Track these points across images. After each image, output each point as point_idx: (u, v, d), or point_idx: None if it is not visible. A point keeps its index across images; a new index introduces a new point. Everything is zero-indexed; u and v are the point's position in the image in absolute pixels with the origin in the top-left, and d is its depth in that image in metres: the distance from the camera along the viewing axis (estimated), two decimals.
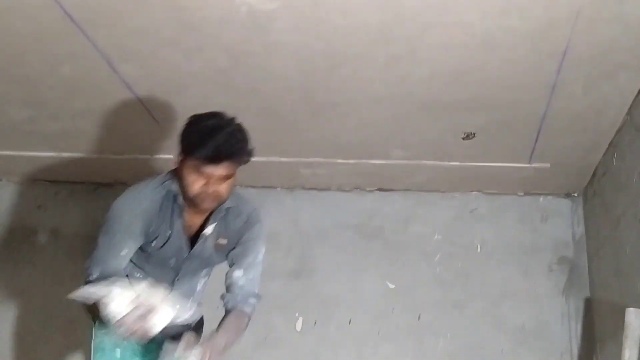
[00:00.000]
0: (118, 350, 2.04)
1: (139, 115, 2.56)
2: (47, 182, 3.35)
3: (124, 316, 1.71)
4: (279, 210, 3.26)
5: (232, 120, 1.86)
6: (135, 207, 1.91)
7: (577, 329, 3.00)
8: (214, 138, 1.78)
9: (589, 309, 2.98)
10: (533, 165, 2.87)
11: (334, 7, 1.86)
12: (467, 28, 1.92)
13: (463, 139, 2.64)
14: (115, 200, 1.95)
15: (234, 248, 2.05)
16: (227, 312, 2.00)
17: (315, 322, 3.11)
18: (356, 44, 2.02)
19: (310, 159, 2.92)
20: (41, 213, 3.33)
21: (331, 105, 2.43)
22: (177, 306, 1.78)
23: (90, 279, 1.87)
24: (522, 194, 3.22)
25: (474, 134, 2.61)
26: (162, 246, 1.97)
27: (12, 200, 3.37)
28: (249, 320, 2.04)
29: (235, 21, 1.93)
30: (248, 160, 1.88)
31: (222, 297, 2.05)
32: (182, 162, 1.86)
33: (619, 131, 2.51)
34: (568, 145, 2.68)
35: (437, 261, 3.16)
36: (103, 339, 2.02)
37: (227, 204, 1.96)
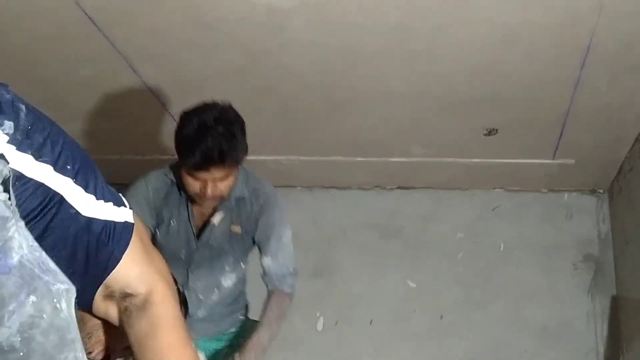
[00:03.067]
0: None
1: (159, 115, 2.57)
2: None
3: None
4: (299, 210, 3.25)
5: (220, 117, 1.79)
6: (140, 196, 1.95)
7: (602, 327, 2.96)
8: (200, 145, 1.73)
9: (615, 307, 2.93)
10: (557, 161, 2.83)
11: (350, 4, 1.84)
12: (487, 23, 1.89)
13: (485, 135, 2.61)
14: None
15: (254, 234, 2.03)
16: (268, 294, 2.01)
17: (336, 322, 3.10)
18: (373, 42, 2.00)
19: (330, 158, 2.91)
20: None
21: (349, 103, 2.41)
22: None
23: None
24: (546, 190, 3.17)
25: (496, 130, 2.57)
26: (168, 235, 1.98)
27: None
28: (291, 299, 2.06)
29: (252, 20, 1.93)
30: (241, 158, 1.84)
31: (262, 277, 2.05)
32: (178, 162, 1.87)
33: None
34: (593, 141, 2.63)
35: (459, 260, 3.12)
36: None
37: (238, 194, 1.96)
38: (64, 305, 0.89)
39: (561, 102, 2.33)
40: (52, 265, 0.90)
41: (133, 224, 1.04)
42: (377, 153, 2.84)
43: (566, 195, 3.16)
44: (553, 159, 2.82)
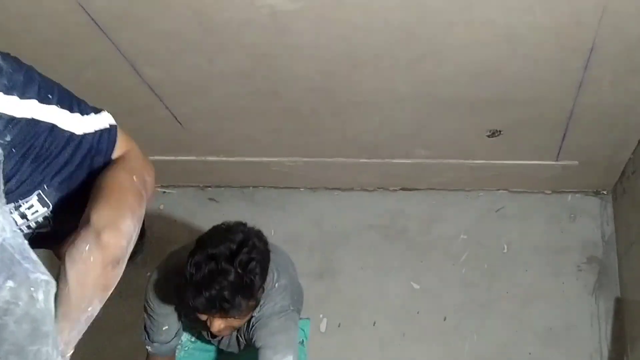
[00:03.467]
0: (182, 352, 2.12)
1: (163, 117, 2.58)
2: None
3: None
4: (302, 211, 3.26)
5: (237, 252, 1.63)
6: (156, 306, 1.91)
7: (607, 329, 2.95)
8: (204, 293, 1.59)
9: (620, 309, 2.92)
10: (561, 162, 2.83)
11: (355, 7, 1.84)
12: (491, 25, 1.89)
13: (488, 136, 2.61)
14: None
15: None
16: None
17: (339, 324, 3.10)
18: (378, 44, 2.00)
19: (333, 159, 2.91)
20: None
21: (353, 105, 2.41)
22: None
23: (149, 349, 1.98)
24: (549, 192, 3.17)
25: (500, 131, 2.57)
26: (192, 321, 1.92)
27: None
28: None
29: (257, 23, 1.93)
30: (250, 307, 1.69)
31: None
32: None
33: None
34: (596, 143, 2.63)
35: (463, 262, 3.12)
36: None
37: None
38: (41, 295, 0.88)
39: (565, 103, 2.32)
40: (33, 256, 0.90)
41: (115, 125, 1.16)
42: (380, 154, 2.85)
43: (570, 196, 3.16)
44: (557, 160, 2.82)
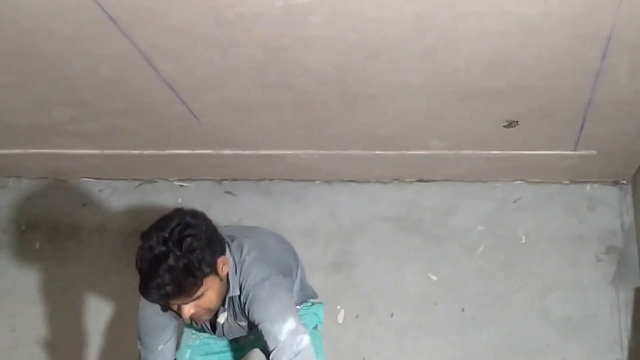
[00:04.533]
0: (188, 352, 2.08)
1: (179, 111, 2.59)
2: (91, 179, 3.43)
3: None
4: (318, 204, 3.27)
5: (170, 238, 1.64)
6: (152, 308, 1.85)
7: (626, 320, 2.93)
8: (150, 284, 1.62)
9: (639, 299, 2.89)
10: (579, 152, 2.80)
11: None
12: (505, 15, 1.87)
13: (505, 127, 2.59)
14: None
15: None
16: None
17: (357, 315, 3.11)
18: (391, 36, 1.99)
19: (348, 152, 2.91)
20: (86, 210, 3.41)
21: (367, 97, 2.41)
22: None
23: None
24: (567, 182, 3.14)
25: (517, 122, 2.55)
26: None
27: (58, 199, 3.46)
28: None
29: (270, 16, 1.93)
30: (208, 274, 1.69)
31: None
32: None
33: None
34: (615, 132, 2.60)
35: (480, 253, 3.11)
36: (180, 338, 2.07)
37: (230, 294, 1.83)
38: None
39: (582, 93, 2.30)
40: None
41: None
42: (395, 146, 2.84)
43: (588, 186, 3.13)
44: (574, 150, 2.79)
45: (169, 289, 1.62)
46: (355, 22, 1.94)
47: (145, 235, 1.68)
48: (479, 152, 2.84)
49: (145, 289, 1.64)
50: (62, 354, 3.25)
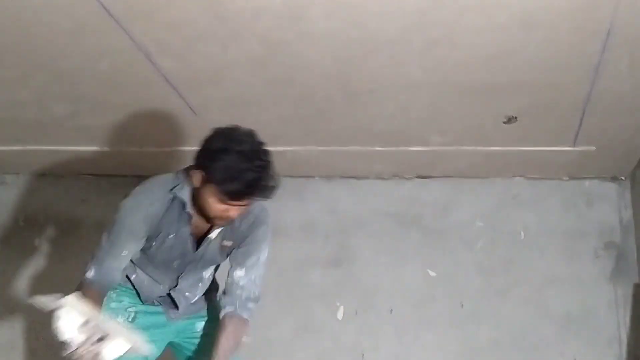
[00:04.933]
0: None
1: (178, 107, 2.59)
2: (90, 175, 3.42)
3: (73, 337, 1.67)
4: (317, 200, 3.26)
5: (259, 150, 1.81)
6: (141, 212, 1.90)
7: (625, 315, 2.94)
8: (241, 177, 1.75)
9: (638, 294, 2.90)
10: (577, 148, 2.80)
11: None
12: (506, 9, 1.87)
13: (504, 123, 2.59)
14: (123, 200, 1.94)
15: (237, 248, 2.04)
16: (225, 320, 1.99)
17: (356, 311, 3.11)
18: (392, 30, 1.99)
19: (348, 148, 2.90)
20: (85, 206, 3.41)
21: (367, 92, 2.40)
22: (135, 341, 1.71)
23: (87, 276, 1.87)
24: (566, 178, 3.14)
25: (516, 117, 2.55)
26: (162, 247, 1.97)
27: (57, 194, 3.45)
28: (248, 326, 2.03)
29: (270, 10, 1.93)
30: (271, 197, 1.85)
31: (220, 298, 2.05)
32: (203, 182, 1.83)
33: None
34: (614, 127, 2.60)
35: (479, 248, 3.11)
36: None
37: None
38: None
39: (581, 87, 2.30)
40: None
41: None
42: (395, 142, 2.84)
43: (587, 182, 3.13)
44: (573, 146, 2.79)
45: (256, 188, 1.77)
46: (355, 16, 1.93)
47: (228, 135, 1.83)
48: (478, 148, 2.84)
49: (229, 181, 1.74)
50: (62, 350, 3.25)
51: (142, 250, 1.97)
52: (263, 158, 1.79)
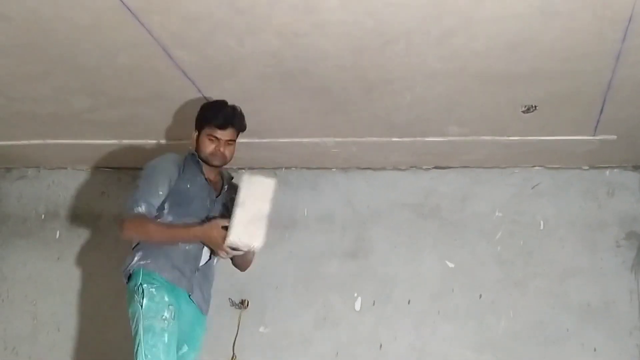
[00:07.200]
0: (166, 335, 2.20)
1: (195, 100, 2.60)
2: (109, 169, 3.46)
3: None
4: (334, 191, 3.27)
5: (232, 104, 2.41)
6: (168, 160, 2.39)
7: None
8: (222, 111, 2.37)
9: None
10: (598, 137, 2.77)
11: None
12: None
13: (523, 112, 2.57)
14: (146, 163, 2.40)
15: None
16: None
17: (374, 302, 3.11)
18: (408, 20, 1.98)
19: (365, 139, 2.90)
20: (105, 199, 3.45)
21: (384, 82, 2.39)
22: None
23: (140, 210, 2.27)
24: (586, 167, 3.11)
25: (535, 106, 2.53)
26: (193, 188, 2.39)
27: (78, 188, 3.50)
28: None
29: (286, 2, 1.92)
30: (244, 129, 2.43)
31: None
32: (198, 135, 2.40)
33: None
34: (635, 116, 2.57)
35: (498, 239, 3.09)
36: (152, 322, 2.20)
37: (227, 185, 2.50)
38: None
39: (602, 76, 2.27)
40: None
41: None
42: (413, 133, 2.82)
43: (608, 171, 3.10)
44: (594, 135, 2.76)
45: (234, 117, 2.37)
46: (372, 6, 1.92)
47: (215, 100, 2.46)
48: (497, 137, 2.82)
49: (215, 116, 2.35)
50: (83, 341, 3.29)
51: (179, 194, 2.35)
52: (233, 105, 2.39)
